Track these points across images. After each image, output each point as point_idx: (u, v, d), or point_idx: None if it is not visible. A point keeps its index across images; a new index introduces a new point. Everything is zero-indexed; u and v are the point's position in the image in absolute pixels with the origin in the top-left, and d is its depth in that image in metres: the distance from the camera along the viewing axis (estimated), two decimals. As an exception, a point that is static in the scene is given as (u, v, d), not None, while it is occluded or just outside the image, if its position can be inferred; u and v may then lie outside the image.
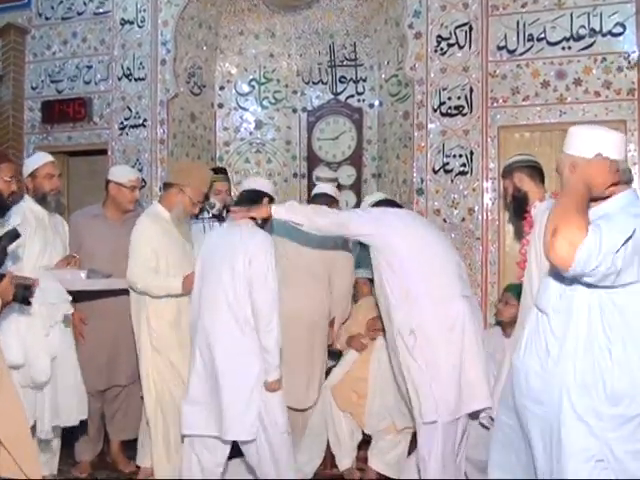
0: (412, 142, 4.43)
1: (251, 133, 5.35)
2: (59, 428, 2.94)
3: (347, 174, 5.12)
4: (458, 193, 4.34)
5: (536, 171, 2.95)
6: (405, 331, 2.74)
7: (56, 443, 3.01)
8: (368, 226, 2.76)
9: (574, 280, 1.82)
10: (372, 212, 2.91)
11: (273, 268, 2.65)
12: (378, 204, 3.11)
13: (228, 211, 3.36)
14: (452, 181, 4.34)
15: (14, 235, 2.20)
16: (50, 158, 3.13)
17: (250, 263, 2.62)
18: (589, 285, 1.79)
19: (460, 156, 4.33)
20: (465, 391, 2.70)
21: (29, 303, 2.28)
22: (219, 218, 3.58)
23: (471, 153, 4.30)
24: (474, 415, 2.84)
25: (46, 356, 2.67)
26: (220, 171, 3.98)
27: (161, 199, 3.11)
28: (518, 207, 2.94)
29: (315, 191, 3.39)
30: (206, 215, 3.62)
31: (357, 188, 5.11)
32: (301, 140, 5.31)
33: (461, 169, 4.34)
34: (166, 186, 3.12)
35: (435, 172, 4.37)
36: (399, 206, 3.20)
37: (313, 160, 5.25)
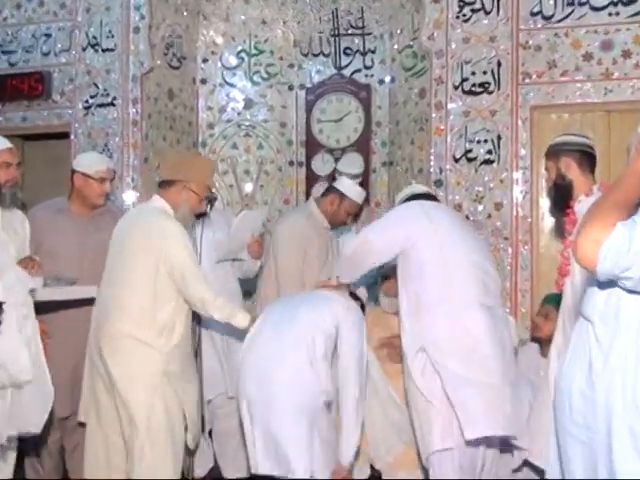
0: (429, 125, 4.44)
1: (239, 114, 5.34)
2: (15, 439, 2.90)
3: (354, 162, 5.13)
4: (483, 185, 4.34)
5: (587, 158, 2.90)
6: (412, 350, 2.79)
7: (11, 456, 2.96)
8: (390, 236, 2.87)
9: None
10: (388, 217, 2.98)
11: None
12: (409, 200, 3.15)
13: (211, 206, 3.38)
14: (476, 171, 4.35)
15: None
16: (8, 144, 3.12)
17: (341, 333, 2.92)
18: (631, 290, 1.78)
19: (486, 141, 4.33)
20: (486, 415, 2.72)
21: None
22: (200, 215, 3.50)
23: (499, 138, 4.31)
24: (496, 444, 2.86)
25: (24, 351, 2.69)
26: None
27: (163, 196, 3.10)
28: (560, 198, 2.91)
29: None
30: None
31: (365, 179, 5.11)
32: (298, 122, 5.30)
33: (487, 157, 4.34)
34: (164, 184, 3.10)
35: (456, 160, 4.38)
36: (434, 199, 3.22)
37: (312, 146, 5.24)
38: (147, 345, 2.91)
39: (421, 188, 3.41)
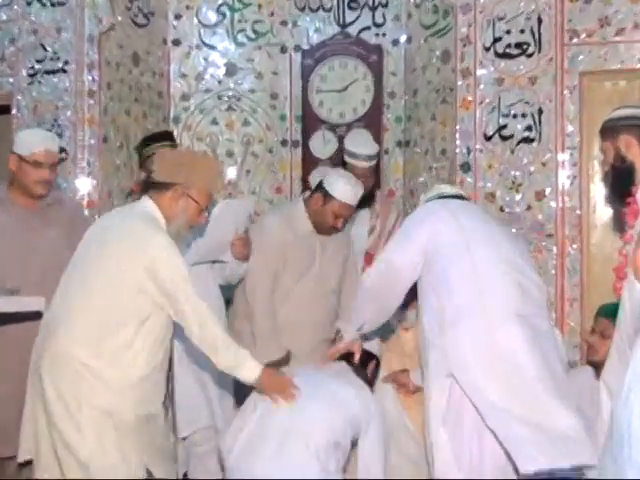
0: (454, 95, 4.45)
1: (220, 82, 5.34)
2: None
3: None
4: (521, 169, 4.36)
5: None
6: (435, 375, 2.85)
7: None
8: (410, 245, 2.95)
9: None
10: (402, 228, 3.06)
11: None
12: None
13: None
14: (512, 152, 4.36)
15: None
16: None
17: None
18: None
19: (524, 116, 4.35)
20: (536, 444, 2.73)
21: None
22: None
23: (539, 111, 4.32)
24: None
25: None
26: (165, 137, 3.95)
27: (155, 201, 3.06)
28: (618, 185, 2.90)
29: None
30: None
31: (376, 161, 4.97)
32: (293, 93, 5.30)
33: (525, 134, 4.36)
34: (158, 186, 3.06)
35: (488, 139, 4.40)
36: (463, 199, 3.27)
37: (310, 122, 5.23)
38: (96, 376, 2.85)
39: (449, 189, 3.42)
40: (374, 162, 4.31)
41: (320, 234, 3.87)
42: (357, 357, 3.28)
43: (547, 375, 2.82)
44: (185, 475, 3.76)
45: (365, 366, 3.34)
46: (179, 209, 3.01)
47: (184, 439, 3.68)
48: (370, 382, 3.31)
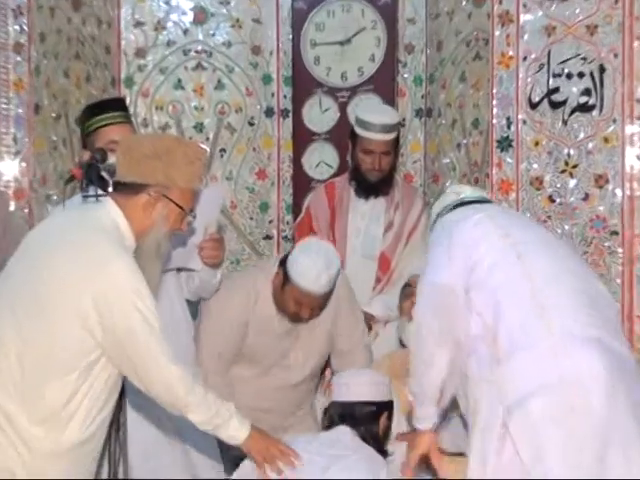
0: (490, 49, 4.43)
1: (186, 32, 5.33)
2: None
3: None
4: (576, 147, 4.33)
5: None
6: (484, 419, 2.83)
7: None
8: (452, 262, 2.94)
9: None
10: (435, 245, 3.06)
11: None
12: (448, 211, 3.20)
13: None
14: (565, 123, 4.34)
15: None
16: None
17: None
18: None
19: (581, 75, 4.31)
20: None
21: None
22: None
23: (601, 70, 4.28)
24: None
25: None
26: (114, 106, 3.87)
27: (122, 208, 3.02)
28: None
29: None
30: (92, 190, 3.44)
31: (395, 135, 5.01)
32: (281, 47, 5.32)
33: (583, 100, 4.32)
34: (124, 188, 3.02)
35: (533, 106, 4.37)
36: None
37: (303, 83, 5.25)
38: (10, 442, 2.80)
39: (471, 192, 3.35)
40: (394, 135, 4.40)
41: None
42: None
43: (634, 429, 2.76)
44: None
45: (376, 419, 3.36)
46: (156, 216, 2.95)
47: None
48: (382, 441, 3.35)
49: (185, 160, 2.98)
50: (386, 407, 3.42)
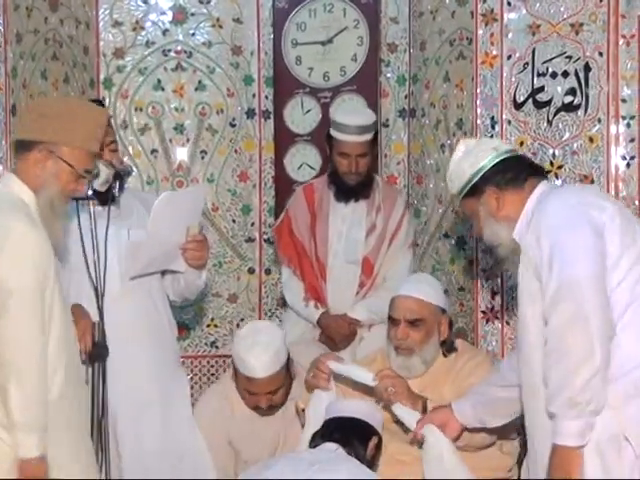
0: (474, 48, 4.40)
1: (166, 32, 5.31)
2: None
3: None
4: (561, 147, 4.31)
5: None
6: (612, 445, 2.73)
7: None
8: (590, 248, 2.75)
9: None
10: (576, 239, 2.80)
11: None
12: (500, 173, 2.97)
13: (121, 185, 3.52)
14: (550, 123, 4.32)
15: None
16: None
17: None
18: None
19: (565, 75, 4.27)
20: None
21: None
22: (103, 197, 3.55)
23: (586, 68, 4.25)
24: None
25: None
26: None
27: (17, 170, 3.10)
28: None
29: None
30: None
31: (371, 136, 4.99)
32: (262, 46, 5.31)
33: (567, 99, 4.29)
34: (22, 146, 3.05)
35: (518, 106, 4.35)
36: (541, 174, 3.11)
37: (284, 84, 5.24)
38: None
39: (500, 145, 3.20)
40: (369, 136, 4.39)
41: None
42: None
43: None
44: None
45: (365, 443, 3.32)
46: (47, 174, 3.00)
47: None
48: (369, 464, 3.30)
49: (81, 120, 3.03)
50: (377, 434, 3.42)
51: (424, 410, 3.51)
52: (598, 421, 2.72)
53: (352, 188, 4.44)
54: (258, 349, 3.75)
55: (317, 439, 3.34)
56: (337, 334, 4.43)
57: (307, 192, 4.63)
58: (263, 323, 4.36)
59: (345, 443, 3.26)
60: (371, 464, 3.32)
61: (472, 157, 3.02)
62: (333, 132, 4.39)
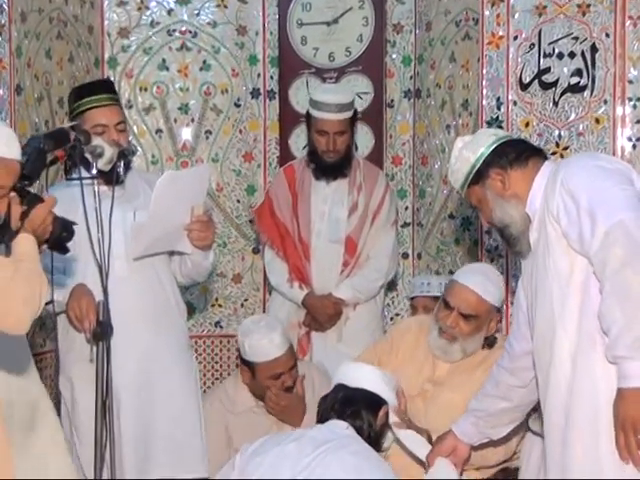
0: (480, 29, 4.40)
1: (170, 12, 5.30)
2: None
3: (357, 91, 5.05)
4: (567, 128, 4.30)
5: None
6: None
7: None
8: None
9: None
10: (595, 184, 2.78)
11: None
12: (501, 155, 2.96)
13: (126, 163, 3.49)
14: (556, 104, 4.32)
15: None
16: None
17: None
18: None
19: (572, 56, 4.27)
20: None
21: (65, 249, 2.90)
22: (108, 177, 3.55)
23: (593, 49, 4.24)
24: None
25: None
26: (103, 89, 3.88)
27: None
28: None
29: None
30: (84, 173, 3.52)
31: (376, 117, 5.08)
32: (267, 26, 5.30)
33: (574, 81, 4.29)
34: None
35: (524, 87, 4.35)
36: (542, 155, 3.09)
37: (290, 64, 5.25)
38: None
39: (498, 131, 3.26)
40: (348, 114, 4.42)
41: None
42: None
43: None
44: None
45: (374, 414, 3.30)
46: None
47: None
48: (378, 435, 3.31)
49: None
50: (387, 403, 3.40)
51: (429, 441, 3.54)
52: None
53: (331, 166, 4.47)
54: (268, 333, 3.87)
55: (327, 410, 3.35)
56: (322, 314, 4.47)
57: (287, 173, 4.68)
58: (253, 316, 4.43)
59: (355, 417, 3.26)
60: (381, 433, 3.35)
61: (472, 145, 3.03)
62: (312, 110, 4.43)
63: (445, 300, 3.63)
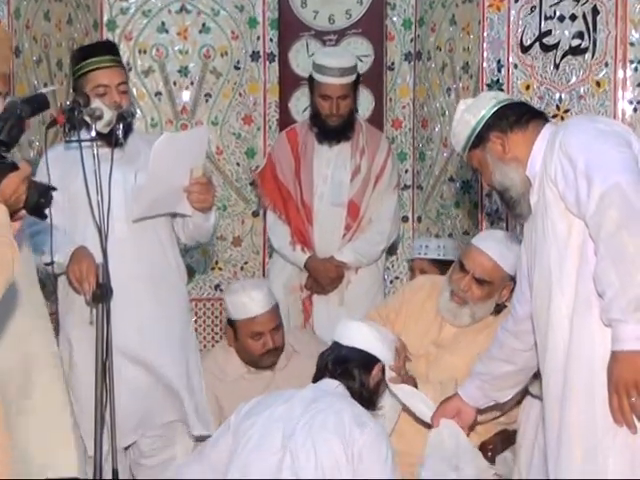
0: None
1: None
2: None
3: (358, 54, 5.03)
4: (568, 91, 4.29)
5: None
6: None
7: None
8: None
9: None
10: (591, 144, 2.78)
11: None
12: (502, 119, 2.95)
13: (127, 126, 3.46)
14: (557, 67, 4.30)
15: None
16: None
17: None
18: None
19: (573, 18, 4.23)
20: None
21: (44, 215, 2.83)
22: (109, 138, 3.52)
23: (594, 11, 4.19)
24: None
25: None
26: (104, 50, 3.87)
27: None
28: None
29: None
30: (85, 135, 3.53)
31: (376, 80, 5.09)
32: None
33: (575, 43, 4.25)
34: None
35: (525, 50, 4.33)
36: (543, 117, 3.07)
37: (290, 26, 5.23)
38: None
39: (499, 94, 3.23)
40: (351, 78, 4.44)
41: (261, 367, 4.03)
42: None
43: None
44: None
45: (367, 372, 3.32)
46: None
47: (126, 448, 3.76)
48: (371, 393, 3.33)
49: None
50: (380, 361, 3.41)
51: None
52: None
53: (334, 130, 4.50)
54: (250, 290, 3.91)
55: (321, 369, 3.36)
56: (324, 277, 4.49)
57: (290, 136, 4.70)
58: (247, 279, 4.52)
59: (347, 376, 3.27)
60: (375, 391, 3.35)
61: (473, 109, 3.03)
62: (314, 74, 4.44)
63: (461, 262, 3.63)
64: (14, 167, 2.64)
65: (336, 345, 3.41)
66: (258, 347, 3.91)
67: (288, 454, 2.99)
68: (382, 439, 3.08)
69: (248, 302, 3.92)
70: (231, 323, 3.99)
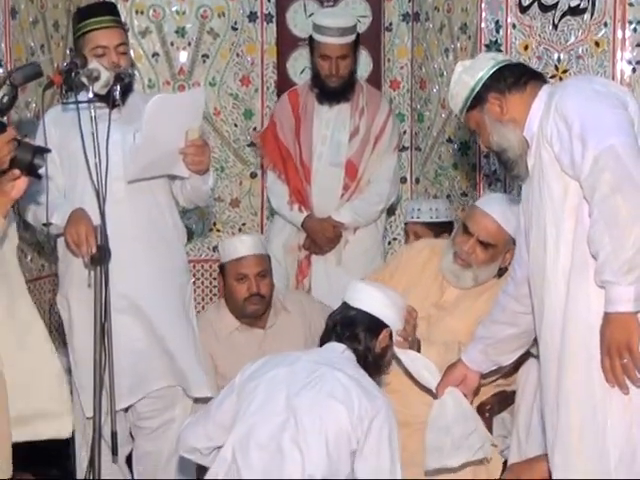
0: None
1: None
2: None
3: (356, 14, 5.01)
4: (567, 51, 4.27)
5: None
6: None
7: None
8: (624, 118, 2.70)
9: None
10: (588, 107, 2.76)
11: None
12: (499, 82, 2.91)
13: (126, 86, 3.48)
14: (555, 27, 4.27)
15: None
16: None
17: None
18: None
19: None
20: None
21: (38, 175, 2.91)
22: (107, 99, 3.51)
23: None
24: None
25: None
26: (104, 10, 3.85)
27: None
28: None
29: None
30: (84, 96, 3.52)
31: (374, 41, 5.10)
32: None
33: (573, 3, 4.22)
34: None
35: (523, 10, 4.31)
36: (541, 79, 3.04)
37: None
38: None
39: (497, 55, 3.21)
40: (350, 38, 4.45)
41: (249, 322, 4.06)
42: None
43: None
44: (129, 458, 3.83)
45: (374, 337, 3.26)
46: None
47: (126, 410, 3.76)
48: (377, 358, 3.28)
49: None
50: (388, 326, 3.36)
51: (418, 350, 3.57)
52: None
53: (334, 90, 4.50)
54: (241, 235, 4.17)
55: (328, 332, 3.35)
56: (322, 237, 4.50)
57: (291, 97, 4.71)
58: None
59: (353, 340, 3.24)
60: (382, 356, 3.32)
61: (471, 70, 3.00)
62: (314, 35, 4.45)
63: (465, 225, 3.61)
64: (2, 129, 2.68)
65: (345, 306, 3.39)
66: (243, 290, 3.94)
67: (292, 416, 2.99)
68: (389, 413, 3.07)
69: (238, 244, 4.02)
70: (222, 270, 4.05)
